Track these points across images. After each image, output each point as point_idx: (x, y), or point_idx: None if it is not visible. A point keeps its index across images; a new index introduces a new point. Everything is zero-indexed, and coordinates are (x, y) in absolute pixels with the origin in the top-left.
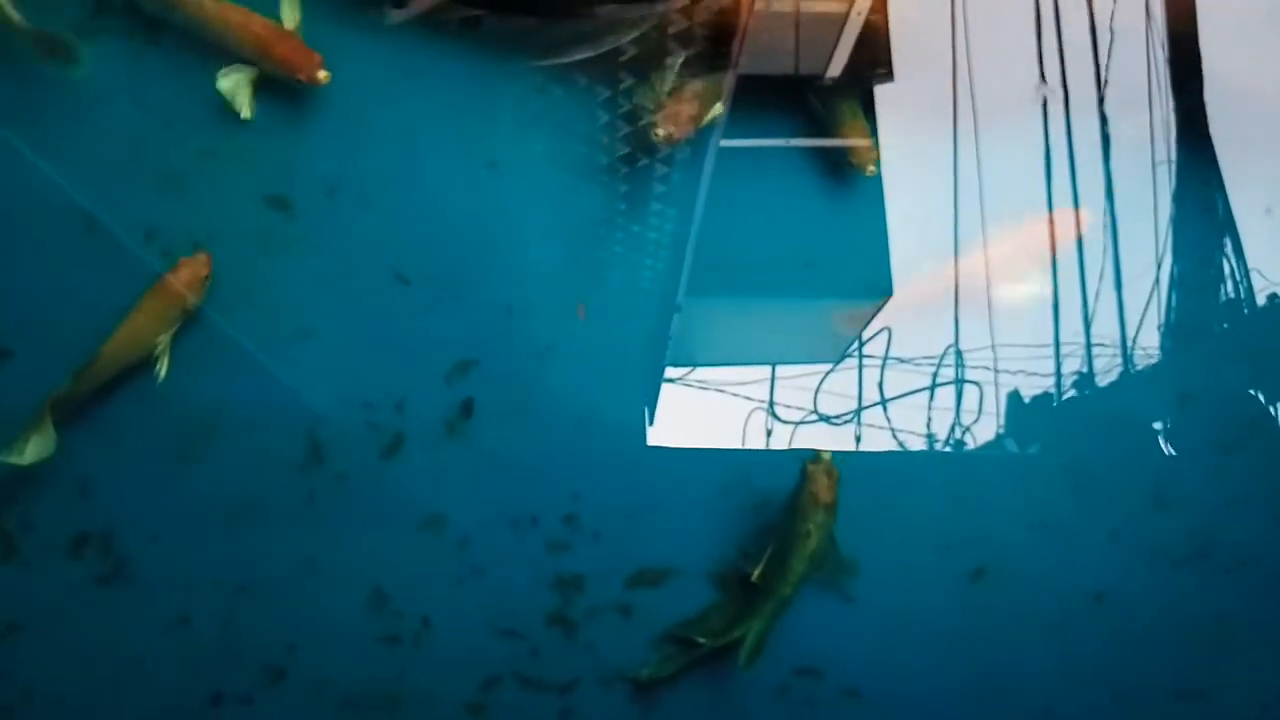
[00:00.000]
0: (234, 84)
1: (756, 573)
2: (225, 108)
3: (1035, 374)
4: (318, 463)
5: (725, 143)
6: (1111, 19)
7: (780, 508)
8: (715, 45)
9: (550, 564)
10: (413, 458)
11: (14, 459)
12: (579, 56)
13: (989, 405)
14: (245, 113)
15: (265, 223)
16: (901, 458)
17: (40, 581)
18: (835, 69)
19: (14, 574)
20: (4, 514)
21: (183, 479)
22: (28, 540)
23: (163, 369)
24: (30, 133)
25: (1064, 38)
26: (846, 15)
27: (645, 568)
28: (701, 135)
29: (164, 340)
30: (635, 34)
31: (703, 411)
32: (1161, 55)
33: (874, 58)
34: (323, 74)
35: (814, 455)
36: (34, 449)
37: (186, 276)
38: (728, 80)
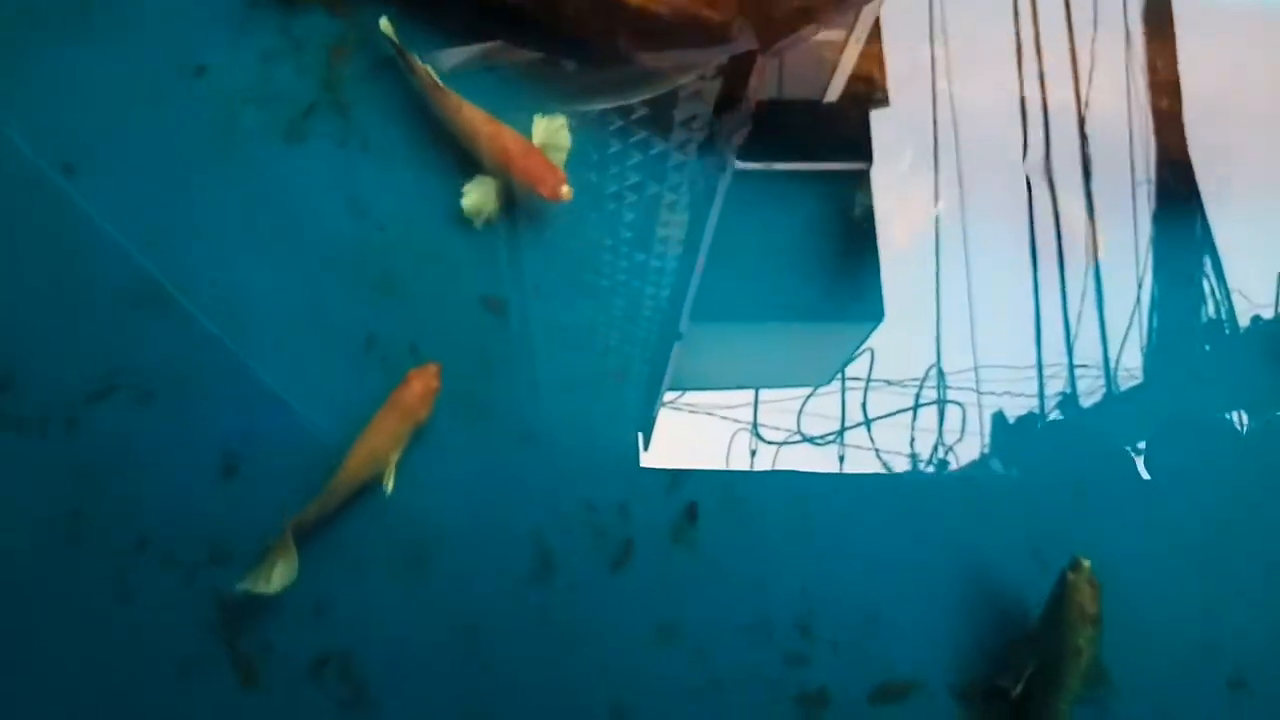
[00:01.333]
0: (480, 197)
1: (1017, 690)
2: (440, 213)
3: None
4: (548, 574)
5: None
6: (1092, 42)
7: (1034, 618)
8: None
9: (791, 677)
10: (641, 565)
11: (262, 588)
12: (614, 103)
13: None
14: (483, 223)
15: (481, 325)
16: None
17: (285, 709)
18: (833, 94)
19: (258, 701)
20: (243, 638)
21: (415, 596)
22: (268, 664)
23: (390, 483)
24: (244, 237)
25: (1044, 60)
26: (845, 42)
27: (887, 681)
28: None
29: (396, 456)
30: (672, 86)
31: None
32: (1141, 78)
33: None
34: (566, 190)
35: (1073, 563)
36: (280, 576)
37: (419, 390)
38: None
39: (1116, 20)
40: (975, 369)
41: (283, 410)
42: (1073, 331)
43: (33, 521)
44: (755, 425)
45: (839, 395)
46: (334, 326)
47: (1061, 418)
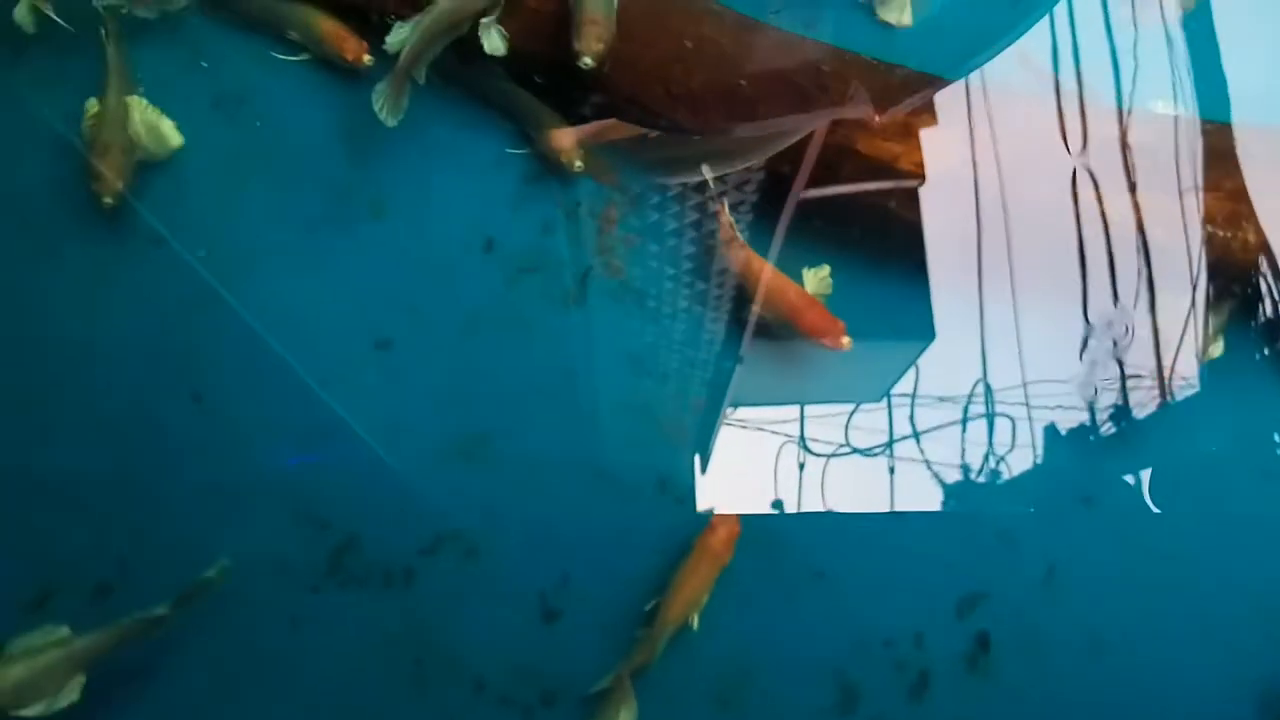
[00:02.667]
0: None
1: None
2: (713, 360)
3: None
4: (851, 706)
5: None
6: (1134, 44)
7: None
8: None
9: None
10: (939, 694)
11: None
12: (735, 168)
13: None
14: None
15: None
16: None
17: None
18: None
19: None
20: None
21: None
22: None
23: (696, 620)
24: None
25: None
26: None
27: None
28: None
29: (706, 598)
30: (763, 157)
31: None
32: (1187, 78)
33: None
34: (847, 340)
35: None
36: (625, 719)
37: (724, 535)
38: None
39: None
40: None
41: (591, 557)
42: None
43: (383, 667)
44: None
45: None
46: (627, 475)
47: None
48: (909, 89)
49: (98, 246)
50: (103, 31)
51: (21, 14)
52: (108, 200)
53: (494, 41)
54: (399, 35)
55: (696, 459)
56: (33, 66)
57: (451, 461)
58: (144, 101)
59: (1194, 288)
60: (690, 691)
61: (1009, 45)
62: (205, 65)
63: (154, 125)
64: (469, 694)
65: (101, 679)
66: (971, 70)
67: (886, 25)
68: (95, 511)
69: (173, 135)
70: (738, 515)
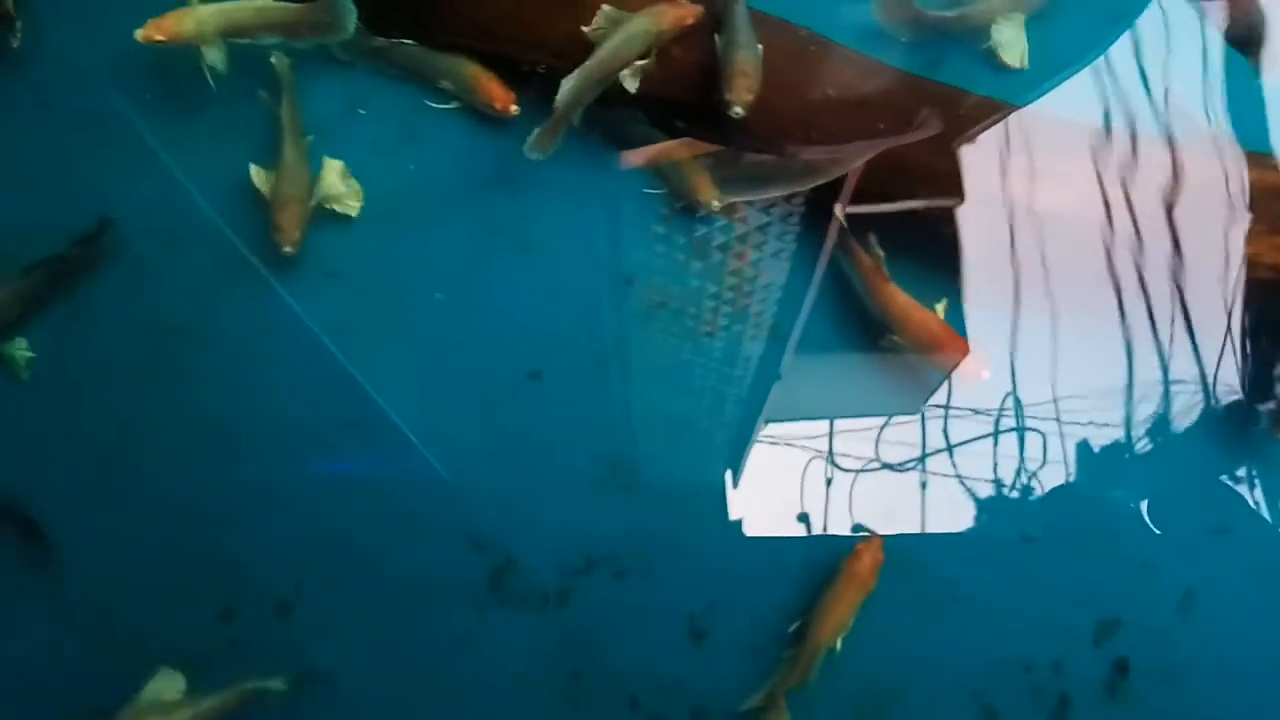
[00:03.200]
0: None
1: None
2: (845, 384)
3: None
4: None
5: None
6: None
7: None
8: None
9: None
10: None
11: None
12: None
13: None
14: None
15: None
16: None
17: None
18: None
19: None
20: None
21: None
22: None
23: (839, 642)
24: (678, 423)
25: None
26: None
27: None
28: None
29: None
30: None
31: None
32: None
33: None
34: (986, 374)
35: None
36: None
37: (869, 562)
38: None
39: None
40: None
41: (734, 581)
42: None
43: (542, 683)
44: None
45: None
46: (765, 501)
47: None
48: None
49: (272, 279)
50: (277, 89)
51: (212, 57)
52: (287, 249)
53: (633, 82)
54: (564, 88)
55: (835, 486)
56: (209, 115)
57: (600, 487)
58: (340, 164)
59: None
60: (833, 712)
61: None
62: (363, 113)
63: (342, 191)
64: (625, 710)
65: (280, 697)
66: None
67: (1005, 67)
68: (275, 532)
69: (355, 202)
70: (881, 541)
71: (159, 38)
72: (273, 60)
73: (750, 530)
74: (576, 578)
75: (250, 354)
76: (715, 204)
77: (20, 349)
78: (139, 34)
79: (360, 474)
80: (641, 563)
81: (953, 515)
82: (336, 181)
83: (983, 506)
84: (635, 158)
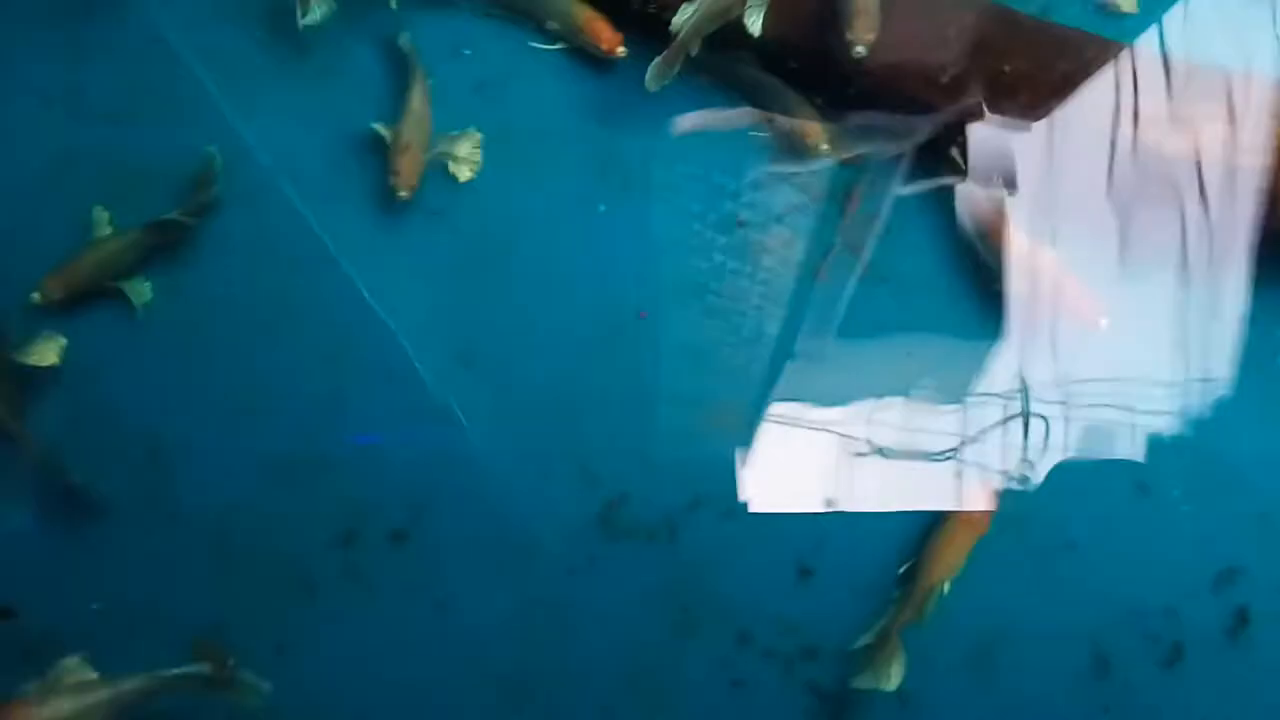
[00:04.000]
0: None
1: None
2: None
3: None
4: (1105, 672)
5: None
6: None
7: None
8: None
9: None
10: (1194, 666)
11: (884, 685)
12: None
13: None
14: None
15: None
16: None
17: None
18: None
19: None
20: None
21: (984, 688)
22: None
23: (947, 585)
24: (789, 365)
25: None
26: None
27: None
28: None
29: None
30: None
31: None
32: None
33: None
34: (1105, 321)
35: None
36: (897, 674)
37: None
38: None
39: None
40: None
41: (847, 523)
42: None
43: (655, 614)
44: None
45: None
46: (875, 444)
47: None
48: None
49: (384, 219)
50: (403, 38)
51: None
52: (403, 194)
53: (755, 23)
54: (682, 16)
55: (949, 428)
56: (317, 53)
57: (708, 426)
58: (479, 136)
59: None
60: (943, 652)
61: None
62: (468, 53)
63: (464, 156)
64: (733, 644)
65: (397, 623)
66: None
67: (1114, 10)
68: (393, 463)
69: (470, 172)
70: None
71: None
72: (392, 5)
73: (858, 472)
74: (685, 514)
75: (364, 290)
76: (824, 148)
77: (140, 288)
78: None
79: (474, 407)
80: (747, 504)
81: (1063, 464)
82: (466, 147)
83: (1094, 456)
84: (744, 100)
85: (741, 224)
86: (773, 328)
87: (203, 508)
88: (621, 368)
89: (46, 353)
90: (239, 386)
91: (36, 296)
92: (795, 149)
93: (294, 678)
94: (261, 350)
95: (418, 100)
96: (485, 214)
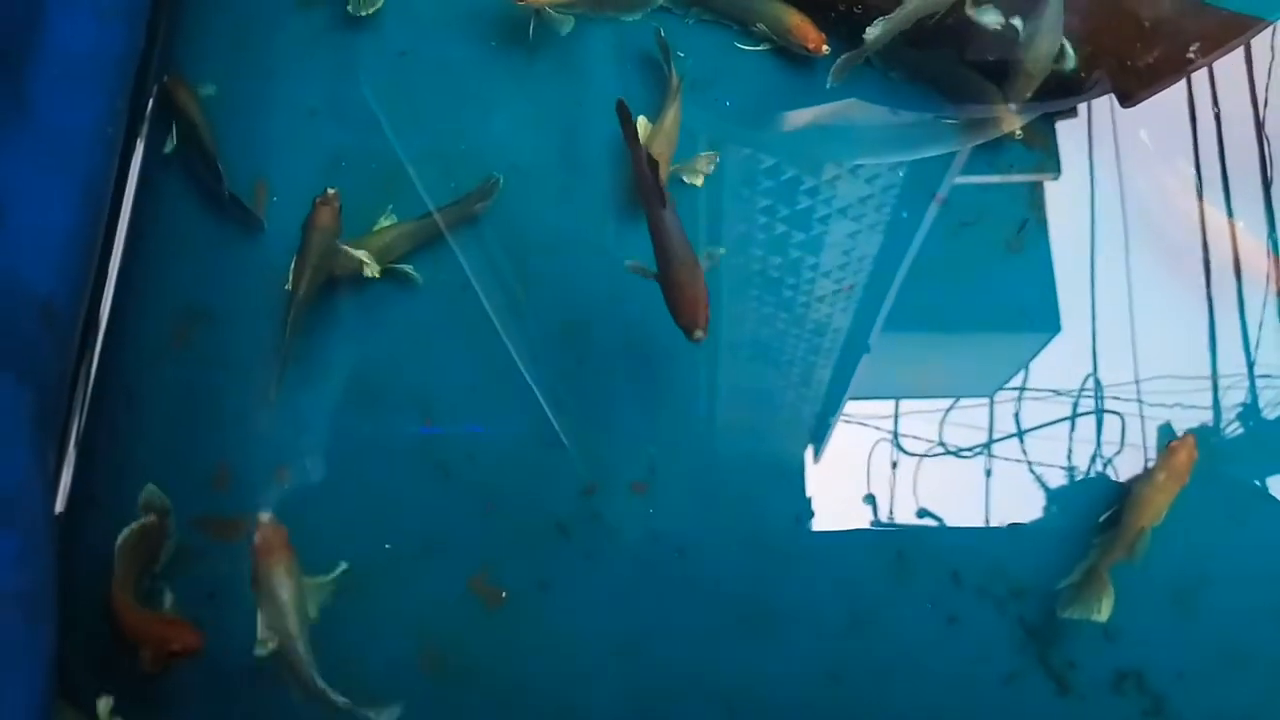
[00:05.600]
0: None
1: None
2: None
3: None
4: None
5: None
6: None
7: None
8: None
9: None
10: None
11: (1095, 617)
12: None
13: None
14: None
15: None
16: None
17: (1098, 715)
18: None
19: (1074, 707)
20: (1052, 655)
21: (1189, 624)
22: (1076, 677)
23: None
24: (971, 335)
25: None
26: None
27: None
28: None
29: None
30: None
31: None
32: None
33: None
34: None
35: None
36: (1108, 607)
37: (1185, 459)
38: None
39: None
40: None
41: (1041, 473)
42: None
43: (870, 557)
44: None
45: None
46: (1065, 405)
47: None
48: None
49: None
50: (660, 49)
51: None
52: None
53: (990, 16)
54: (875, 28)
55: (1140, 386)
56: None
57: (910, 385)
58: (715, 156)
59: None
60: (1151, 586)
61: None
62: (681, 55)
63: (697, 170)
64: (948, 584)
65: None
66: None
67: None
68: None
69: (697, 182)
70: (1195, 439)
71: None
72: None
73: (1052, 429)
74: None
75: (602, 266)
76: (1018, 134)
77: (407, 269)
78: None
79: (701, 371)
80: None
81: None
82: (701, 165)
83: None
84: (940, 93)
85: (945, 201)
86: (971, 299)
87: (468, 456)
88: (826, 342)
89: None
90: (497, 365)
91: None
92: (991, 138)
93: (558, 610)
94: (514, 321)
95: (670, 117)
96: (707, 196)
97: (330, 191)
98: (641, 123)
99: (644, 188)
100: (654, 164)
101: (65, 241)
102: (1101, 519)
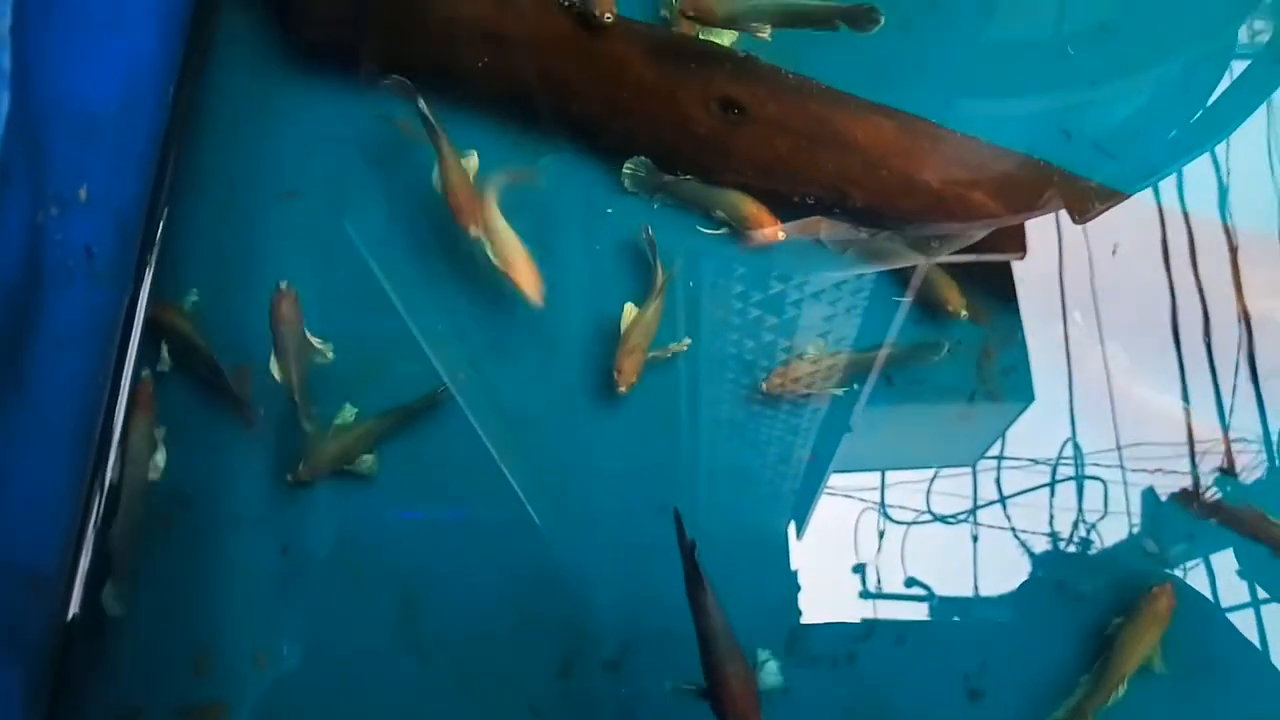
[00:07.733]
0: None
1: None
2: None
3: None
4: None
5: None
6: None
7: None
8: None
9: None
10: None
11: None
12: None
13: None
14: None
15: None
16: None
17: None
18: None
19: None
20: None
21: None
22: None
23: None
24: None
25: None
26: None
27: None
28: None
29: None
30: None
31: None
32: None
33: None
34: None
35: None
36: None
37: (1165, 605)
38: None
39: None
40: None
41: (1012, 640)
42: None
43: None
44: None
45: None
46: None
47: None
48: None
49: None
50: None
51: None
52: (621, 389)
53: None
54: None
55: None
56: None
57: (869, 560)
58: (687, 342)
59: None
60: None
61: None
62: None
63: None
64: None
65: None
66: None
67: None
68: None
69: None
70: (1172, 587)
71: None
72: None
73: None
74: (860, 643)
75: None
76: (963, 314)
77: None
78: None
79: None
80: (919, 631)
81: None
82: (677, 348)
83: None
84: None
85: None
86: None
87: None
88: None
89: None
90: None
91: None
92: (937, 312)
93: None
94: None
95: (652, 310)
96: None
97: (283, 285)
98: (628, 309)
99: (691, 584)
100: (693, 544)
101: (54, 510)
102: (1082, 680)
